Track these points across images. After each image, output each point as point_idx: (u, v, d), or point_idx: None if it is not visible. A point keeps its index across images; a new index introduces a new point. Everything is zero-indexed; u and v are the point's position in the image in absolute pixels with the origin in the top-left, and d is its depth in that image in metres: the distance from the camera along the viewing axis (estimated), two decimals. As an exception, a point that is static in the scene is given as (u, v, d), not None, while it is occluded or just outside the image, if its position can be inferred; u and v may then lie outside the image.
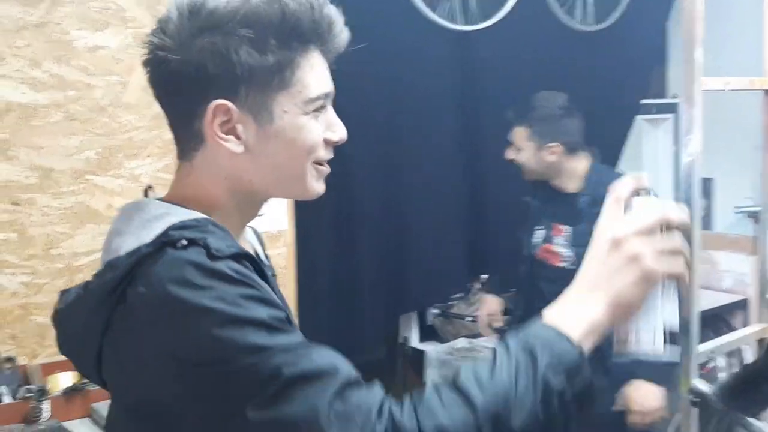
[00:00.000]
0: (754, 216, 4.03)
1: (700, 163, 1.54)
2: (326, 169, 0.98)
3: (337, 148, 1.00)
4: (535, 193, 2.83)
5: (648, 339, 0.86)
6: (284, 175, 0.95)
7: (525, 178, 2.78)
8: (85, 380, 2.08)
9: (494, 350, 0.83)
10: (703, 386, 1.32)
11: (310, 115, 0.92)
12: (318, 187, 0.97)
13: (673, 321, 0.86)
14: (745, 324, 3.71)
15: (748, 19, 3.19)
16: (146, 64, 0.93)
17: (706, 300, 3.43)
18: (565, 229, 2.69)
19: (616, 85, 3.87)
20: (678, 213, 0.86)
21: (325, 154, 0.96)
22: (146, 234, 0.86)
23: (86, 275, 1.00)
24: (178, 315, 0.79)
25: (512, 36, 3.48)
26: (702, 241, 4.63)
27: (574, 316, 0.84)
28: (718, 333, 2.76)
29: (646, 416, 2.43)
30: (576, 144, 2.69)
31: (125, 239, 0.87)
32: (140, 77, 1.14)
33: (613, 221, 0.87)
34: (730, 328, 3.64)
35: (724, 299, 3.91)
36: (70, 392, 2.14)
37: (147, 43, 0.91)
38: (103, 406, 2.07)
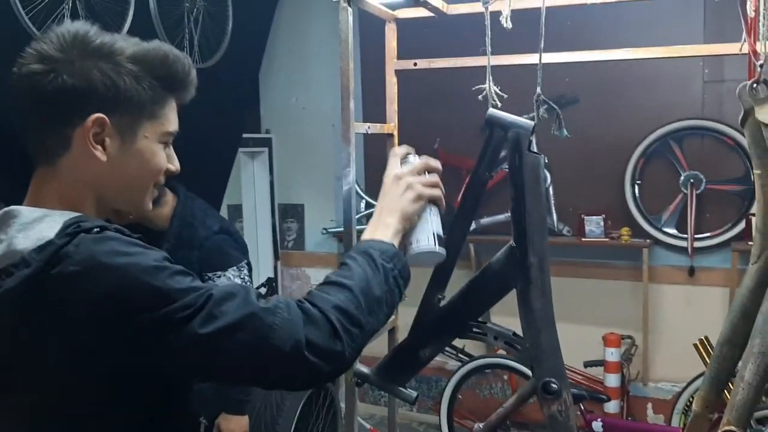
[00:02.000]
0: (337, 235, 4.28)
1: (354, 189, 1.84)
2: (157, 192, 1.15)
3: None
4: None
5: (424, 239, 1.24)
6: (133, 188, 1.10)
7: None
8: None
9: (342, 261, 1.13)
10: (364, 369, 1.57)
11: (161, 145, 1.10)
12: (150, 205, 1.14)
13: (439, 229, 1.26)
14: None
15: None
16: (26, 73, 1.01)
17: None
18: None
19: (221, 121, 4.06)
20: (434, 162, 1.29)
21: (162, 179, 1.13)
22: (38, 233, 0.97)
23: None
24: (118, 277, 0.92)
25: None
26: (297, 260, 4.48)
27: (381, 229, 1.20)
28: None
29: None
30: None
31: (12, 242, 0.98)
32: None
33: (394, 168, 1.27)
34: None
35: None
36: None
37: (31, 55, 1.02)
38: None
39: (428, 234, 1.24)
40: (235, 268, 2.38)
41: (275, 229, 4.64)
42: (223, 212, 4.38)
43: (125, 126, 1.05)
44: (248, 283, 2.47)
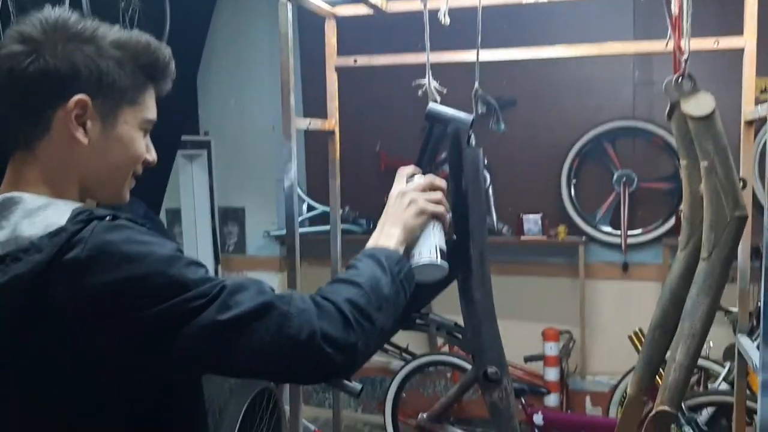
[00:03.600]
0: (279, 239, 4.23)
1: (296, 188, 1.89)
2: (134, 183, 1.14)
3: None
4: None
5: (426, 252, 1.27)
6: (112, 175, 1.09)
7: None
8: None
9: (348, 264, 1.17)
10: None
11: (141, 132, 1.10)
12: (127, 196, 1.14)
13: (442, 243, 1.30)
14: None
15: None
16: (5, 54, 1.00)
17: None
18: None
19: (158, 123, 4.34)
20: (439, 181, 1.33)
21: (140, 168, 1.12)
22: (45, 220, 0.95)
23: None
24: (136, 266, 0.91)
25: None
26: (238, 264, 4.43)
27: (384, 239, 1.23)
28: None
29: None
30: None
31: (19, 228, 0.95)
32: None
33: (399, 185, 1.33)
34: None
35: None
36: None
37: (11, 37, 1.01)
38: None
39: (430, 247, 1.28)
40: None
41: (215, 232, 4.58)
42: (162, 217, 4.30)
43: (106, 110, 1.04)
44: None
